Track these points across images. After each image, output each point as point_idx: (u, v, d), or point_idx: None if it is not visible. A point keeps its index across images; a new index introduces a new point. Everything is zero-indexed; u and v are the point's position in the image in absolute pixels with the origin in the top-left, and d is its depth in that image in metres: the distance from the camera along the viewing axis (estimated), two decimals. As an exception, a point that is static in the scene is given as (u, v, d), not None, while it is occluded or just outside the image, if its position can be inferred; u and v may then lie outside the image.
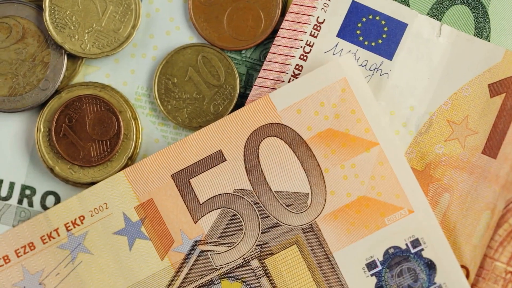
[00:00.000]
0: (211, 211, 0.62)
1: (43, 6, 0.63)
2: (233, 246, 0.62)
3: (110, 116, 0.63)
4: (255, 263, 0.62)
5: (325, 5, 0.63)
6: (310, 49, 0.63)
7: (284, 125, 0.62)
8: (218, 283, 0.62)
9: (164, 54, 0.64)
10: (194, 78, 0.64)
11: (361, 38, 0.63)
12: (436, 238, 0.62)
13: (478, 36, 0.64)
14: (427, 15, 0.64)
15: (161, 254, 0.62)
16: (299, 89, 0.62)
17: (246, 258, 0.62)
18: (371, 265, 0.62)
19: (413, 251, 0.62)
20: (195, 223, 0.62)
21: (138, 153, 0.64)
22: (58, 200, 0.64)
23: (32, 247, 0.62)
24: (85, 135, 0.63)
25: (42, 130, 0.63)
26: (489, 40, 0.64)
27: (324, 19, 0.63)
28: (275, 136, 0.62)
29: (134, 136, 0.63)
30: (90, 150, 0.63)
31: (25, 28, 0.63)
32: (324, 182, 0.62)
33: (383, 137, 0.62)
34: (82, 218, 0.62)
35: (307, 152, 0.62)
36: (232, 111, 0.64)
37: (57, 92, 0.63)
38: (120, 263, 0.62)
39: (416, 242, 0.62)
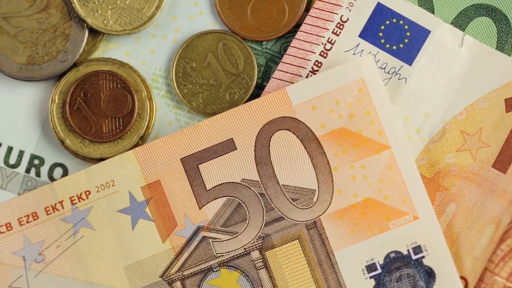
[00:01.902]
0: (216, 198, 0.62)
1: (70, -22, 0.63)
2: (235, 235, 0.62)
3: (126, 94, 0.63)
4: (255, 254, 0.62)
5: (350, 4, 0.63)
6: (331, 47, 0.63)
7: (298, 120, 0.62)
8: (217, 271, 0.62)
9: (185, 37, 0.64)
10: (213, 64, 0.64)
11: (382, 41, 0.63)
12: (438, 247, 0.62)
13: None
14: (451, 24, 0.64)
15: (163, 237, 0.62)
16: (316, 86, 0.62)
17: (247, 249, 0.62)
18: (371, 268, 0.62)
19: (414, 257, 0.62)
20: (199, 209, 0.62)
21: (149, 133, 0.64)
22: (65, 172, 0.64)
23: (35, 217, 0.62)
24: (99, 111, 0.63)
25: (56, 101, 0.63)
26: (510, 55, 0.64)
27: (348, 18, 0.63)
28: (287, 130, 0.62)
29: (148, 116, 0.63)
30: (102, 126, 0.63)
31: (49, -1, 0.63)
32: (332, 181, 0.62)
33: (395, 141, 0.62)
34: (88, 193, 0.62)
35: (318, 149, 0.62)
36: (247, 101, 0.64)
37: (75, 65, 0.63)
38: (121, 242, 0.62)
39: (418, 249, 0.62)
